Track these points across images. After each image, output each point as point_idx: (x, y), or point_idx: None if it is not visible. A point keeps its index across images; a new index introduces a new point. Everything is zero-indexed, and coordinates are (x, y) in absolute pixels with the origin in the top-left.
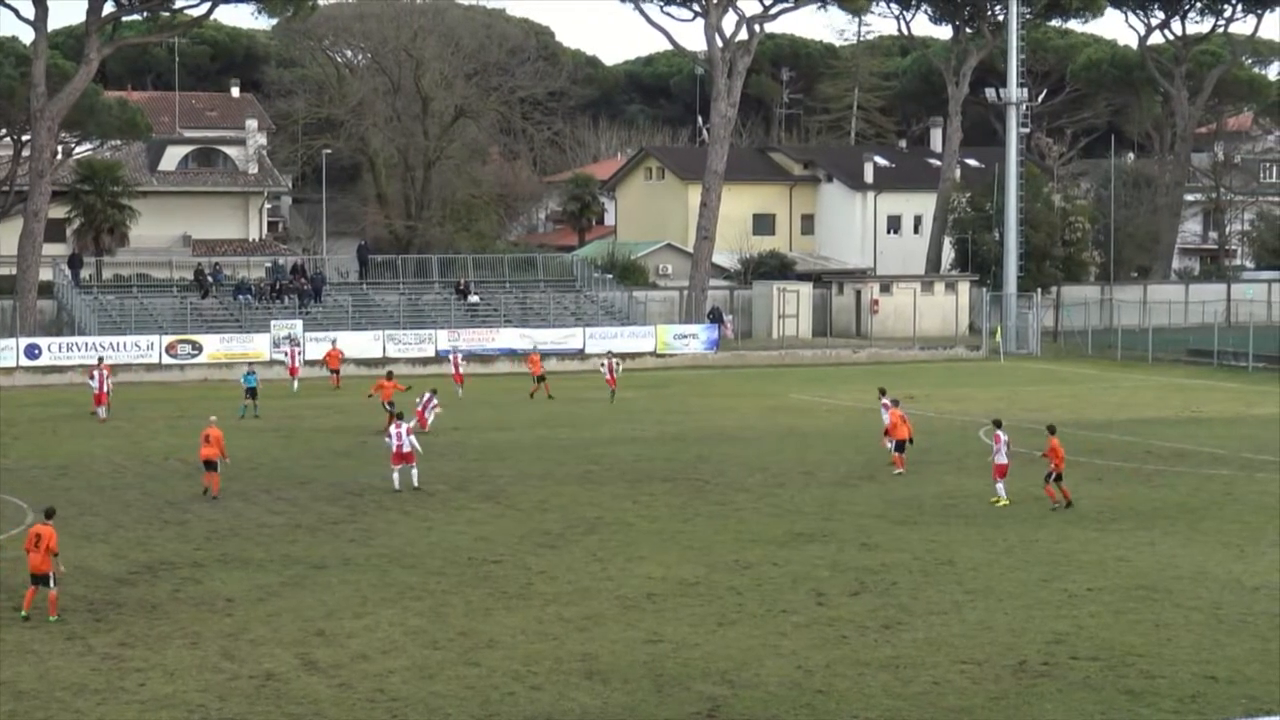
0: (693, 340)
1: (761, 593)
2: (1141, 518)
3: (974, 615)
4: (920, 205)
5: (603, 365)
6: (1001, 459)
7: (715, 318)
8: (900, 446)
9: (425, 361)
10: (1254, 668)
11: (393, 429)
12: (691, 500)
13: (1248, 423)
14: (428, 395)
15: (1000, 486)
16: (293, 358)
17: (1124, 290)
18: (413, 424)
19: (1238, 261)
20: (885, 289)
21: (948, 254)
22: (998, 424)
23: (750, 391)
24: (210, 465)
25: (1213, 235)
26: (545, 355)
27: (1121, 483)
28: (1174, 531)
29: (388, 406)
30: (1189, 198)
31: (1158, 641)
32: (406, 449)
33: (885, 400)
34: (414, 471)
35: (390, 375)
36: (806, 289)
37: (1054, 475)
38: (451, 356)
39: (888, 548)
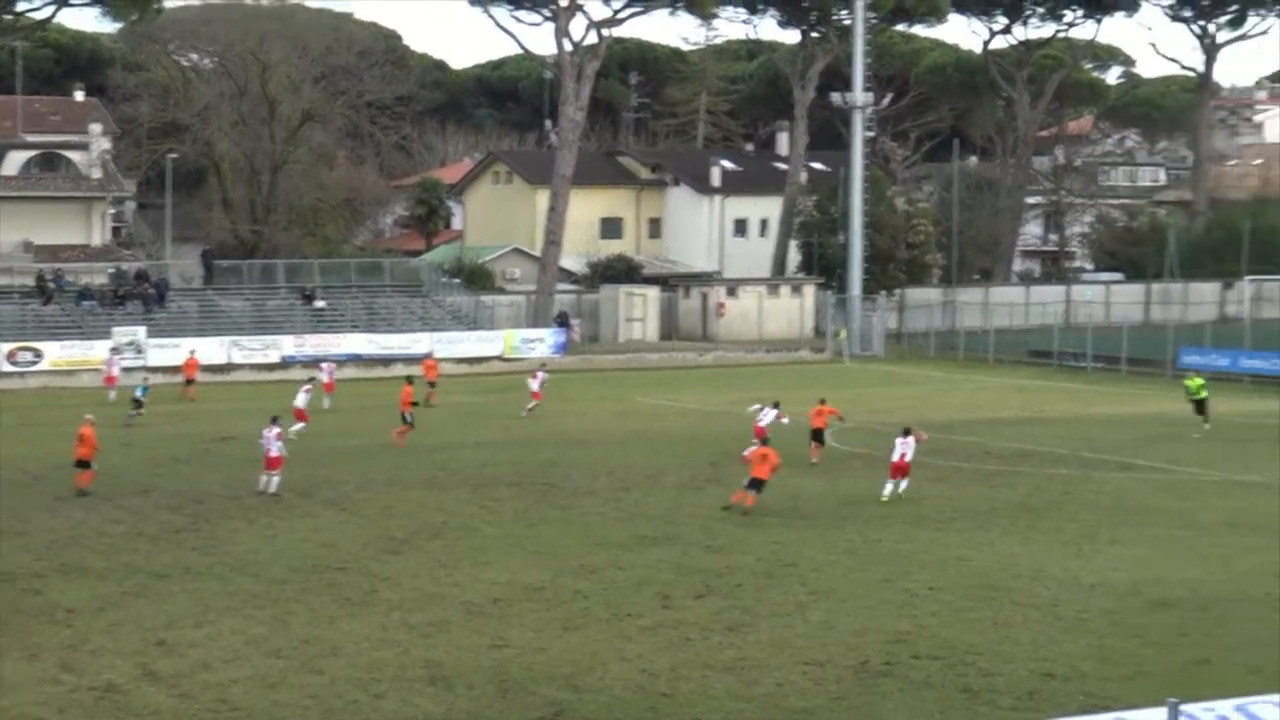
0: (540, 344)
1: (606, 596)
2: (982, 517)
3: (817, 616)
4: (767, 209)
5: (534, 378)
6: (903, 458)
7: (562, 321)
8: (817, 435)
9: (270, 368)
10: (1090, 664)
11: (265, 432)
12: (537, 504)
13: (1086, 422)
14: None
15: (890, 486)
16: (111, 365)
17: (966, 292)
18: (299, 427)
19: (1077, 263)
20: (731, 292)
21: (794, 257)
22: (907, 431)
23: (596, 395)
24: (84, 464)
25: (1053, 237)
26: (391, 360)
27: (963, 483)
28: (1013, 531)
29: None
30: (1030, 200)
31: (996, 640)
32: (275, 453)
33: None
34: (275, 479)
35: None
36: (653, 292)
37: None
38: (326, 366)
39: (732, 550)
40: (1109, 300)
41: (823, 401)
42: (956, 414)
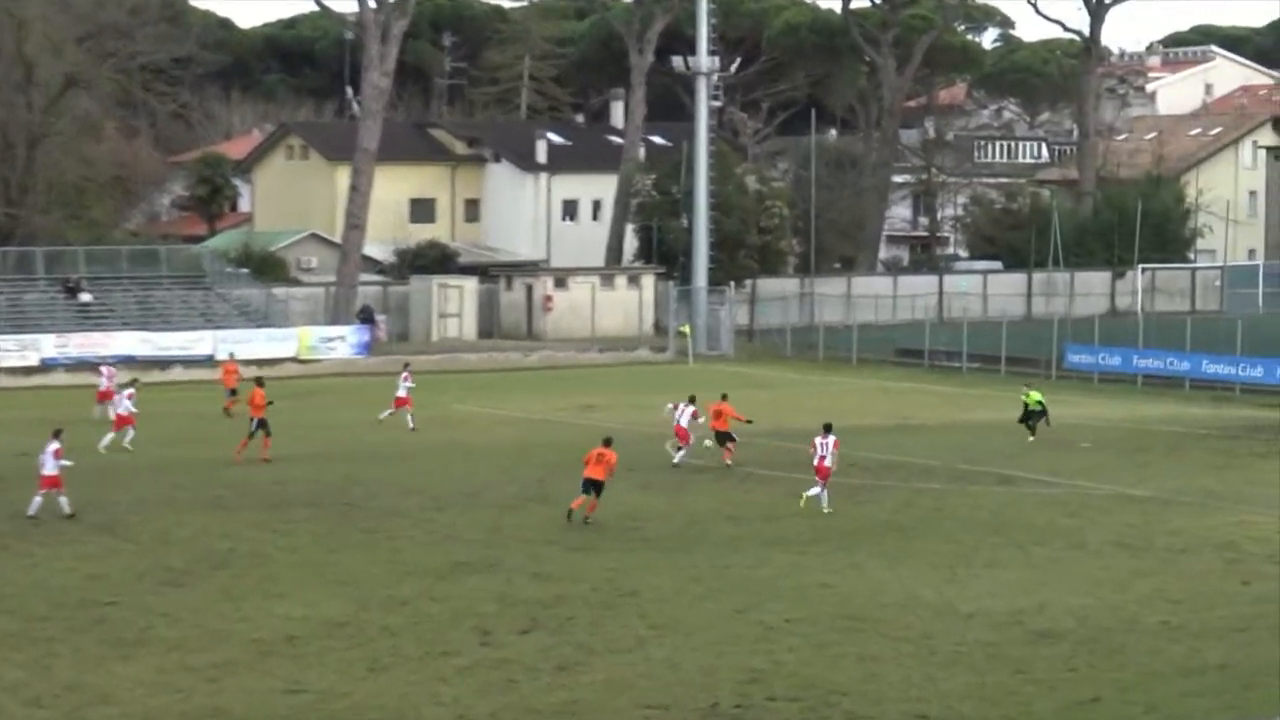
0: (340, 343)
1: (419, 632)
2: (846, 538)
3: (660, 653)
4: (600, 188)
5: (403, 379)
6: (826, 462)
7: (366, 318)
8: (723, 438)
9: (28, 371)
10: (969, 704)
11: (46, 447)
12: (338, 528)
13: (961, 429)
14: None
15: (819, 490)
16: None
17: (826, 283)
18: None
19: (950, 250)
20: (560, 284)
21: (631, 244)
22: (828, 428)
23: None
24: None
25: (923, 221)
26: (169, 363)
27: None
28: (881, 553)
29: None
30: (897, 179)
31: (863, 677)
32: (49, 471)
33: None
34: (62, 499)
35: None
36: (471, 284)
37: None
38: (106, 370)
39: (562, 578)
40: (986, 292)
41: (724, 397)
42: (815, 421)
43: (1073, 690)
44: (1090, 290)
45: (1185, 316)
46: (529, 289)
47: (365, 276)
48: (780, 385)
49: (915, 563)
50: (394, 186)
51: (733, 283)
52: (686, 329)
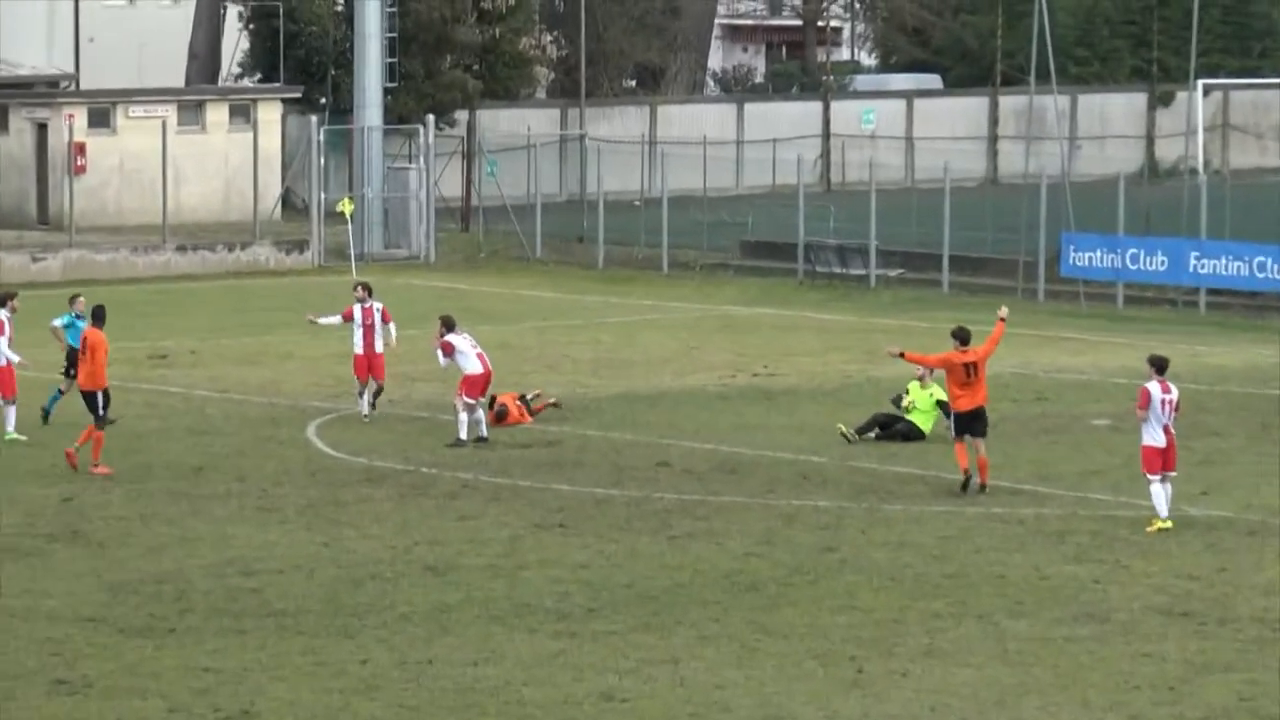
0: None
1: None
2: (653, 605)
3: None
4: None
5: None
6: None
7: None
8: None
9: None
10: None
11: None
12: None
13: (863, 394)
14: None
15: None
16: None
17: (609, 117)
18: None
19: (844, 55)
20: (101, 121)
21: (235, 46)
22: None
23: None
24: None
25: (794, 3)
26: None
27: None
28: (724, 634)
29: None
30: None
31: None
32: None
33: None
34: None
35: None
36: None
37: None
38: None
39: None
40: (911, 134)
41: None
42: (611, 376)
43: None
44: (1107, 129)
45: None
46: (39, 132)
47: None
48: (521, 315)
49: (788, 653)
50: None
51: (432, 118)
52: (348, 206)
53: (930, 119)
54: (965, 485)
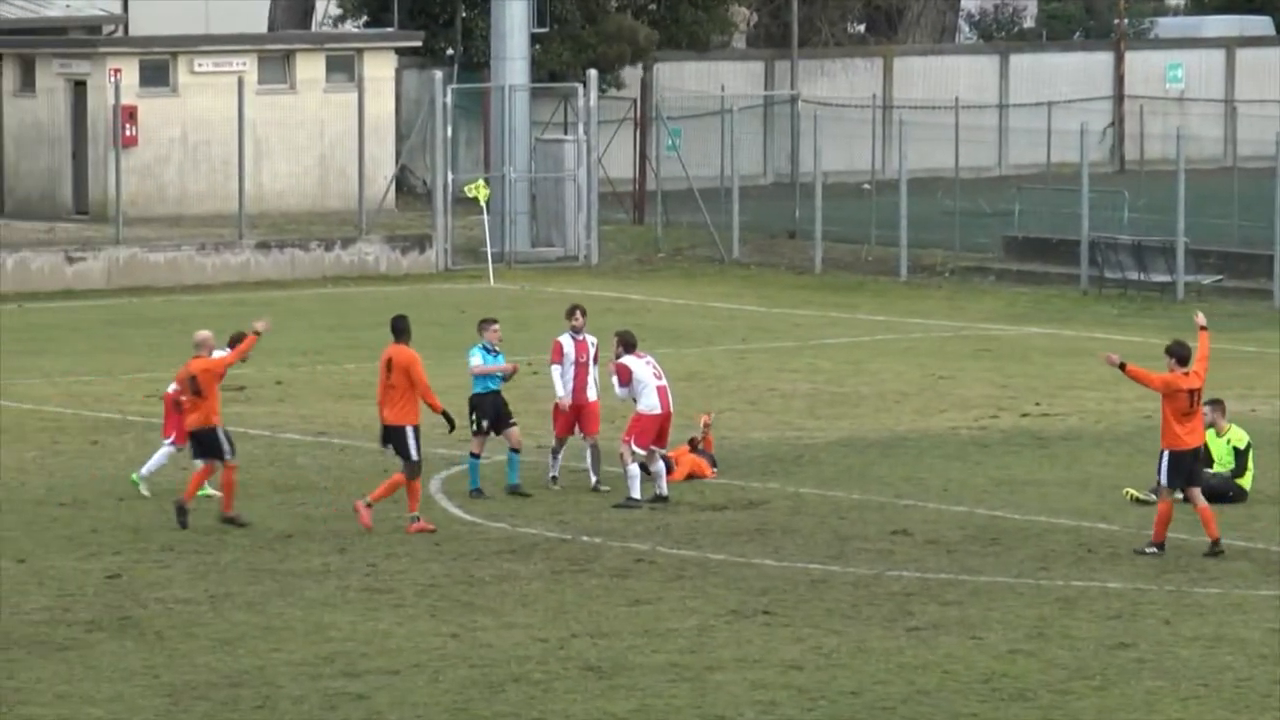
0: None
1: None
2: None
3: None
4: None
5: None
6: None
7: None
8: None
9: None
10: None
11: None
12: None
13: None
14: None
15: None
16: None
17: (831, 73)
18: None
19: None
20: (157, 77)
21: None
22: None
23: None
24: None
25: None
26: None
27: None
28: None
29: None
30: None
31: None
32: None
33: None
34: None
35: None
36: None
37: None
38: None
39: None
40: (1232, 95)
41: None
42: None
43: None
44: None
45: None
46: (76, 92)
47: None
48: (712, 335)
49: None
50: None
51: (594, 74)
52: (482, 191)
53: (1259, 76)
54: (1215, 549)
